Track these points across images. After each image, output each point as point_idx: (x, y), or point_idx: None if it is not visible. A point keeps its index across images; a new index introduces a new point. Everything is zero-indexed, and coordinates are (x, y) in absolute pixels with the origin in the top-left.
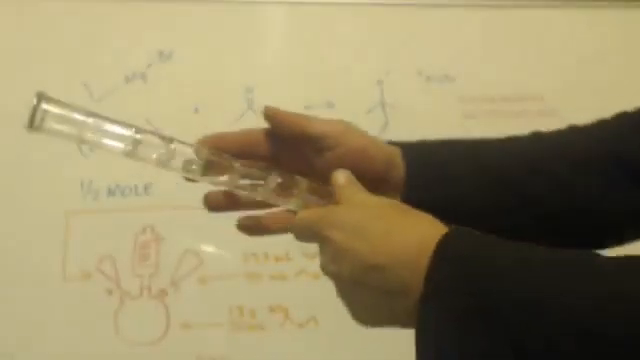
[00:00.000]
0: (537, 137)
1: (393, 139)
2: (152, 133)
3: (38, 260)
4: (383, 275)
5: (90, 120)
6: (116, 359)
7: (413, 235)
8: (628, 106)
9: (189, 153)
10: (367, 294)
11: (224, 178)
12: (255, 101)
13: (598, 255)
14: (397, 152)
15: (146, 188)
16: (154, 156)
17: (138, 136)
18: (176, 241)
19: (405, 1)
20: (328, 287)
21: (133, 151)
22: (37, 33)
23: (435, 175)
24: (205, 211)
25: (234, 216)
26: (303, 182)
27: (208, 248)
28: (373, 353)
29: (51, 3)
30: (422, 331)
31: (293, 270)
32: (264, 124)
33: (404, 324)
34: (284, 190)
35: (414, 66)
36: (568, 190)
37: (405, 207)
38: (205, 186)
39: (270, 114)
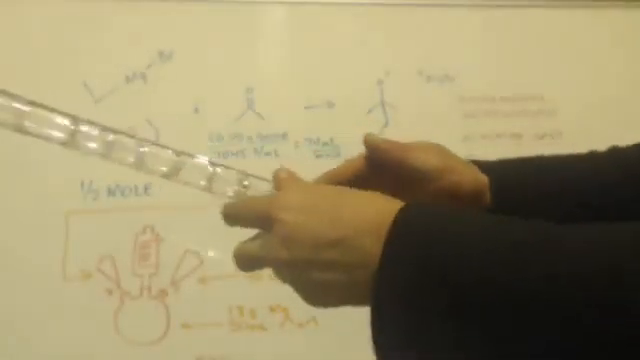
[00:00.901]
0: (614, 156)
1: (393, 139)
2: (91, 124)
3: (38, 260)
4: (342, 248)
5: (29, 109)
6: (116, 359)
7: (369, 207)
8: (628, 106)
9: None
10: (323, 272)
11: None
12: (255, 101)
13: (553, 226)
14: (485, 183)
15: (146, 188)
16: (94, 145)
17: (82, 128)
18: (176, 241)
19: (405, 1)
20: None
21: (72, 141)
22: (37, 33)
23: (520, 209)
24: (205, 211)
25: None
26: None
27: (208, 248)
28: (373, 353)
29: (51, 3)
30: (377, 298)
31: None
32: (264, 124)
33: (361, 299)
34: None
35: (414, 66)
36: None
37: (347, 188)
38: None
39: (371, 144)
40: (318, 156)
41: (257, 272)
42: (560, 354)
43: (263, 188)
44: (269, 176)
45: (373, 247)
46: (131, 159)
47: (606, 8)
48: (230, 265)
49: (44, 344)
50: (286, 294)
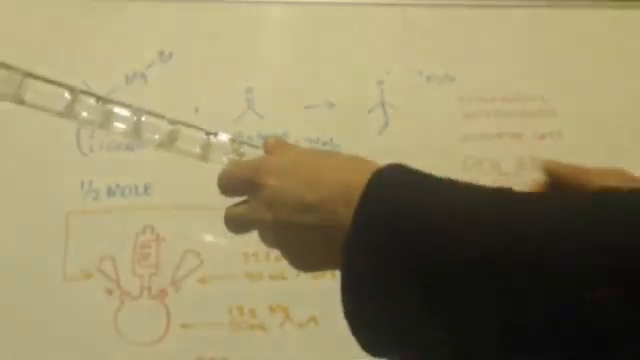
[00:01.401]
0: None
1: (393, 139)
2: (89, 94)
3: (38, 260)
4: (319, 212)
5: (28, 80)
6: (116, 359)
7: (346, 171)
8: (628, 106)
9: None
10: (304, 234)
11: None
12: (255, 101)
13: (516, 192)
14: None
15: (146, 188)
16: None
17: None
18: (176, 241)
19: (405, 1)
20: (328, 287)
21: (70, 111)
22: (37, 33)
23: None
24: (205, 211)
25: None
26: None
27: (208, 248)
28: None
29: (51, 4)
30: (348, 258)
31: (293, 270)
32: (264, 124)
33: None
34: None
35: (414, 66)
36: None
37: (336, 151)
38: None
39: (551, 169)
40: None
41: (257, 272)
42: (524, 316)
43: (258, 155)
44: None
45: (346, 211)
46: (127, 127)
47: (606, 8)
48: (230, 265)
49: (44, 344)
50: (286, 294)
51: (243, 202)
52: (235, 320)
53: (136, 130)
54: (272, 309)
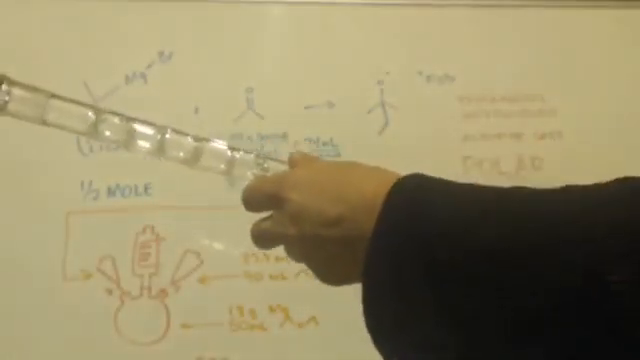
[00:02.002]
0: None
1: (393, 139)
2: (115, 114)
3: (38, 260)
4: (342, 225)
5: (53, 101)
6: (116, 359)
7: (369, 184)
8: (628, 106)
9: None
10: (329, 248)
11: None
12: (255, 101)
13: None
14: None
15: (146, 188)
16: (114, 136)
17: (102, 117)
18: (176, 241)
19: (405, 1)
20: (328, 287)
21: (94, 131)
22: (37, 33)
23: None
24: (205, 211)
25: (234, 216)
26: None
27: (208, 248)
28: (373, 353)
29: (51, 3)
30: (368, 267)
31: (293, 270)
32: (264, 124)
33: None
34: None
35: (414, 66)
36: None
37: (359, 163)
38: (205, 185)
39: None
40: (318, 156)
41: (257, 272)
42: (538, 324)
43: (282, 170)
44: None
45: (368, 222)
46: (151, 146)
47: (606, 8)
48: (230, 265)
49: (44, 344)
50: (286, 294)
51: (268, 217)
52: (235, 320)
53: (160, 148)
54: (272, 309)
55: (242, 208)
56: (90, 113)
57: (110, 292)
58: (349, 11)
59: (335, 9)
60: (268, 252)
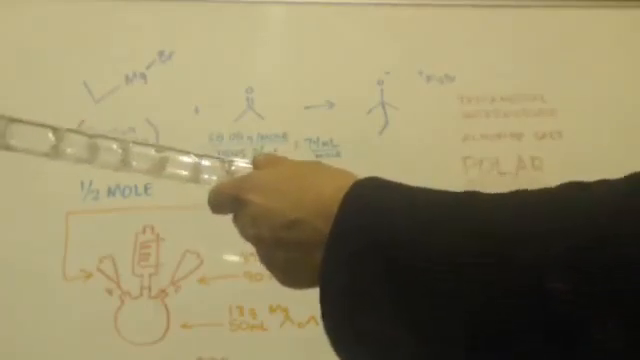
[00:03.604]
0: None
1: (393, 139)
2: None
3: (38, 260)
4: (300, 228)
5: (13, 126)
6: (116, 359)
7: (327, 187)
8: (627, 106)
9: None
10: (287, 252)
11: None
12: (255, 101)
13: (479, 194)
14: None
15: (146, 188)
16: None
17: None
18: (176, 241)
19: (405, 1)
20: None
21: (55, 152)
22: (37, 33)
23: None
24: (205, 211)
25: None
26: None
27: (208, 248)
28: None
29: (51, 3)
30: (324, 269)
31: None
32: (264, 124)
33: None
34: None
35: (414, 66)
36: None
37: (322, 164)
38: (204, 186)
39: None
40: (318, 156)
41: (257, 272)
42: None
43: (247, 172)
44: None
45: (324, 227)
46: (114, 160)
47: (606, 8)
48: (230, 265)
49: (44, 344)
50: (286, 294)
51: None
52: (235, 320)
53: (124, 161)
54: (272, 309)
55: None
56: (50, 134)
57: (110, 292)
58: (349, 11)
59: (335, 9)
60: None
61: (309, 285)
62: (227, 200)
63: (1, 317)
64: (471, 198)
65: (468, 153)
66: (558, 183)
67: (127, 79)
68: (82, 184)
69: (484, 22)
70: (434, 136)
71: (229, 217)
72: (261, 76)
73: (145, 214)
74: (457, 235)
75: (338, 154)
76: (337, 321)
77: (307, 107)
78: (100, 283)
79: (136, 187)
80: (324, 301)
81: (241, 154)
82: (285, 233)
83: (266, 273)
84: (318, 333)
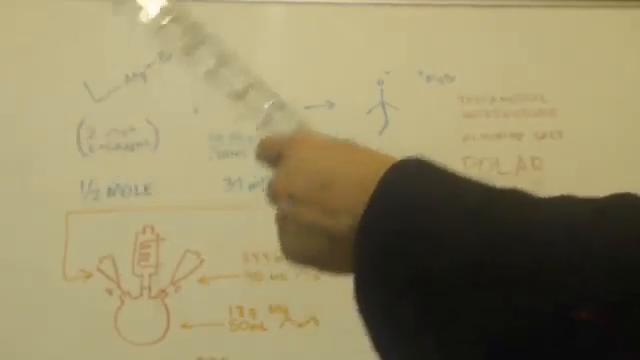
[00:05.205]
0: None
1: (393, 139)
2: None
3: (38, 260)
4: (333, 192)
5: None
6: (116, 359)
7: (373, 162)
8: (628, 106)
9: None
10: (312, 214)
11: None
12: None
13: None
14: None
15: (146, 188)
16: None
17: None
18: (176, 241)
19: (405, 1)
20: (328, 287)
21: None
22: (37, 33)
23: None
24: (205, 211)
25: (234, 216)
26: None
27: (208, 248)
28: (373, 353)
29: (51, 3)
30: (359, 246)
31: (293, 270)
32: None
33: (334, 257)
34: None
35: (414, 66)
36: None
37: (365, 148)
38: (205, 185)
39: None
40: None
41: (257, 272)
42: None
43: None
44: None
45: (360, 197)
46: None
47: (606, 8)
48: (230, 265)
49: (44, 344)
50: (286, 294)
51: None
52: (235, 320)
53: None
54: (272, 309)
55: (242, 208)
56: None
57: (110, 292)
58: (349, 11)
59: (335, 9)
60: (268, 252)
61: (317, 262)
62: (273, 150)
63: (1, 317)
64: (507, 197)
65: (468, 153)
66: (558, 183)
67: (127, 79)
68: (82, 184)
69: (484, 22)
70: (434, 136)
71: (230, 217)
72: (261, 76)
73: (145, 214)
74: (486, 238)
75: None
76: (366, 312)
77: (307, 107)
78: (100, 283)
79: (136, 187)
80: (355, 290)
81: (241, 154)
82: (316, 193)
83: (266, 273)
84: (318, 333)
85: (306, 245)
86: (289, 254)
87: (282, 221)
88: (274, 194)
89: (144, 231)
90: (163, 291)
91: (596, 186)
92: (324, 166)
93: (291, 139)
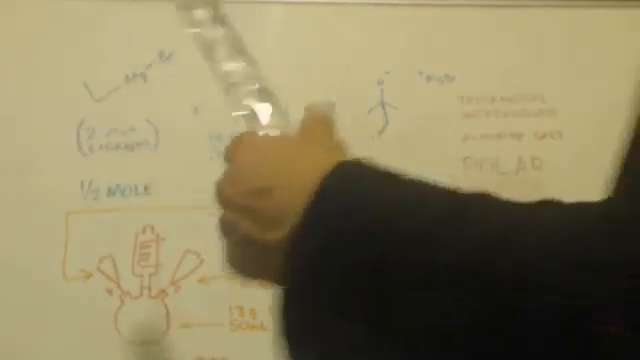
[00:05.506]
0: None
1: (393, 139)
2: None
3: (38, 260)
4: (271, 198)
5: None
6: (116, 359)
7: (313, 166)
8: (628, 106)
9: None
10: (251, 223)
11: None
12: None
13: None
14: None
15: (146, 188)
16: None
17: None
18: (176, 241)
19: (405, 1)
20: None
21: None
22: (36, 33)
23: None
24: (205, 211)
25: None
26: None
27: (208, 248)
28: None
29: (51, 3)
30: (292, 245)
31: None
32: None
33: (268, 269)
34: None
35: (414, 66)
36: None
37: (318, 143)
38: (205, 185)
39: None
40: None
41: None
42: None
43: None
44: None
45: (295, 200)
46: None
47: (606, 8)
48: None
49: (44, 344)
50: None
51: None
52: (235, 320)
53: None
54: (272, 309)
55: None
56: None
57: (110, 292)
58: (349, 11)
59: (335, 9)
60: None
61: (256, 274)
62: (225, 152)
63: (1, 317)
64: (459, 197)
65: (468, 153)
66: (558, 183)
67: (127, 79)
68: (82, 184)
69: (484, 22)
70: (434, 136)
71: None
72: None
73: (145, 214)
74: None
75: None
76: (294, 323)
77: (307, 107)
78: (100, 283)
79: (136, 187)
80: (284, 303)
81: None
82: (255, 200)
83: None
84: None
85: (246, 256)
86: (232, 265)
87: (223, 230)
88: (218, 201)
89: (144, 231)
90: (163, 291)
91: (596, 186)
92: (263, 172)
93: (235, 142)
